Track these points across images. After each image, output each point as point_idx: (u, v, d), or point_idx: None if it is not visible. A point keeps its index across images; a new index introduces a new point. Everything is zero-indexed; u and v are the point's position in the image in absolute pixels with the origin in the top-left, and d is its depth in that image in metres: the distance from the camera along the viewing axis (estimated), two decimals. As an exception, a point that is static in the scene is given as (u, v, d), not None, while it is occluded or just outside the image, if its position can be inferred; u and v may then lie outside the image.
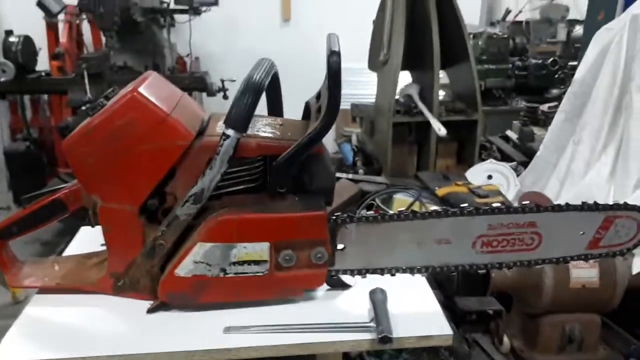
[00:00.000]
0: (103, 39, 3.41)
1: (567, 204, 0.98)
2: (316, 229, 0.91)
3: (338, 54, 0.84)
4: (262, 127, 0.96)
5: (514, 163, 2.67)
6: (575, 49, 4.06)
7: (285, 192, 0.92)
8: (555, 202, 1.97)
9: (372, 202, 2.19)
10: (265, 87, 0.89)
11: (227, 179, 0.91)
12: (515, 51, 4.06)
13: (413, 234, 0.97)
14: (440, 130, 2.32)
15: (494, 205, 0.97)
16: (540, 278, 1.35)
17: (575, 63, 3.71)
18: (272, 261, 0.92)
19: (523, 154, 2.84)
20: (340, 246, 0.96)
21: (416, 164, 2.67)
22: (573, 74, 3.36)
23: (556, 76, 3.91)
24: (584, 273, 1.34)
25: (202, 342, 0.87)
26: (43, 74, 3.12)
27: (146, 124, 0.87)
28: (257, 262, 0.91)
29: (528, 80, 3.96)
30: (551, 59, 3.89)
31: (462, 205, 0.97)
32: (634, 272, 1.42)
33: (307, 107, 1.03)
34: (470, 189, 2.08)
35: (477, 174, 2.36)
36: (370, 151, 2.79)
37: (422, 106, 2.48)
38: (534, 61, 3.90)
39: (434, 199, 2.09)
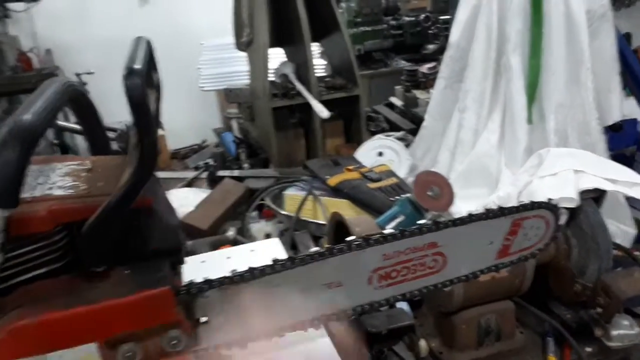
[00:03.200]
0: None
1: (469, 215, 0.82)
2: (161, 311, 0.67)
3: (139, 73, 0.58)
4: (60, 181, 0.69)
5: (402, 132, 2.57)
6: (444, 2, 4.07)
7: (107, 268, 0.67)
8: (449, 175, 1.90)
9: (262, 201, 1.97)
10: (44, 128, 0.60)
11: (17, 264, 0.64)
12: (388, 10, 4.00)
13: (294, 286, 0.76)
14: (323, 112, 2.13)
15: (386, 231, 0.79)
16: (448, 278, 1.22)
17: (447, 17, 3.72)
18: (108, 364, 0.67)
19: (410, 121, 2.75)
20: (203, 319, 0.73)
21: (305, 148, 2.48)
22: (446, 29, 3.35)
23: (430, 32, 3.93)
24: (494, 269, 1.23)
25: None
26: None
27: None
28: (86, 371, 0.66)
29: (404, 39, 3.97)
30: (424, 15, 3.89)
31: (347, 239, 0.77)
32: (539, 250, 1.33)
33: (127, 134, 0.77)
34: (362, 173, 1.93)
35: (368, 153, 2.22)
36: (253, 140, 2.55)
37: (300, 87, 2.27)
38: (407, 19, 3.91)
39: (326, 189, 1.91)
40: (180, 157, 2.42)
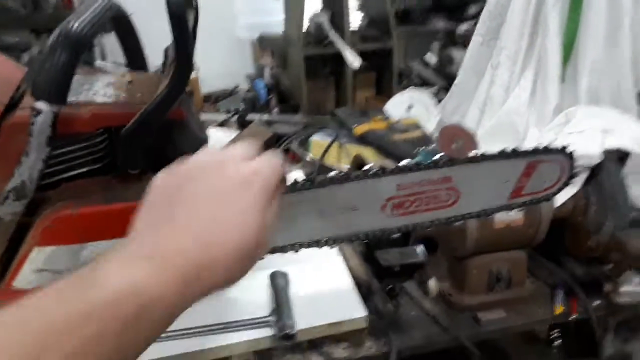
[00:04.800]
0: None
1: (482, 154, 0.85)
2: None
3: None
4: (102, 89, 0.75)
5: (435, 88, 2.56)
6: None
7: (141, 172, 0.73)
8: (477, 131, 1.90)
9: (288, 146, 2.02)
10: (90, 37, 0.65)
11: (61, 162, 0.70)
12: (430, -33, 3.88)
13: (312, 205, 0.81)
14: (355, 62, 2.14)
15: (402, 163, 0.83)
16: (464, 223, 1.26)
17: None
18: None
19: (444, 79, 2.73)
20: (224, 228, 0.79)
21: (335, 98, 2.50)
22: (491, -11, 3.26)
23: (474, -8, 3.80)
24: (508, 213, 1.26)
25: None
26: None
27: None
28: (118, 263, 0.73)
29: (446, -1, 3.84)
30: (468, -26, 3.75)
31: (365, 167, 0.81)
32: (558, 204, 1.35)
33: (166, 55, 0.82)
34: (388, 124, 1.95)
35: (397, 106, 2.22)
36: (285, 87, 2.58)
37: (333, 35, 2.28)
38: (450, -24, 3.76)
39: (352, 137, 1.94)
40: (213, 100, 2.47)
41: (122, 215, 0.73)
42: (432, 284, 1.29)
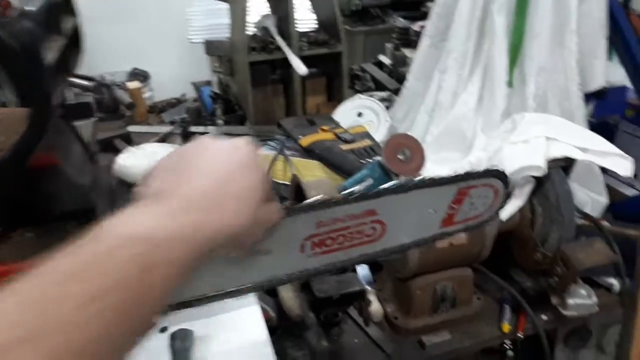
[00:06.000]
0: None
1: (408, 182, 0.79)
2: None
3: (31, 16, 0.53)
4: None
5: (387, 93, 2.50)
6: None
7: (7, 230, 0.64)
8: (425, 139, 1.85)
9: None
10: None
11: None
12: (388, -37, 3.82)
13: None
14: (300, 68, 2.06)
15: (319, 197, 0.76)
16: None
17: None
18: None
19: (397, 81, 2.67)
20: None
21: (285, 106, 2.41)
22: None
23: (432, -12, 3.76)
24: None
25: None
26: None
27: None
28: None
29: (404, -5, 3.78)
30: (425, -30, 3.71)
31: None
32: (504, 218, 1.31)
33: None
34: (336, 134, 1.88)
35: (347, 113, 2.15)
36: (232, 96, 2.49)
37: (279, 41, 2.19)
38: (408, -28, 3.71)
39: (298, 149, 1.87)
40: (158, 110, 2.36)
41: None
42: (375, 308, 1.24)
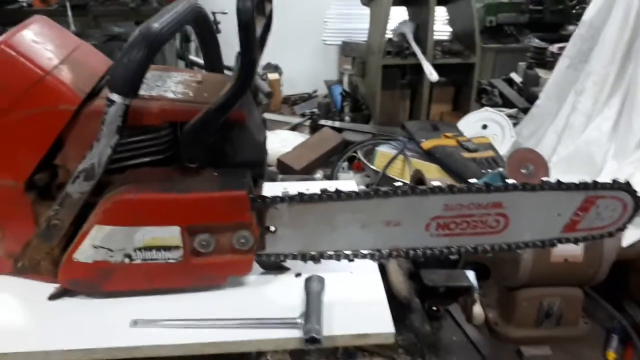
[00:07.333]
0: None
1: (541, 183, 0.82)
2: (236, 211, 0.77)
3: None
4: (173, 86, 0.80)
5: (515, 110, 2.48)
6: (595, -20, 3.71)
7: (200, 167, 0.77)
8: (551, 159, 1.82)
9: (354, 154, 2.04)
10: (167, 38, 0.71)
11: (129, 149, 0.77)
12: (530, -17, 3.74)
13: (356, 215, 0.82)
14: (432, 74, 2.12)
15: (450, 183, 0.82)
16: (517, 252, 1.22)
17: (597, -3, 3.40)
18: (186, 247, 0.78)
19: (526, 100, 2.62)
20: (271, 228, 0.83)
21: (409, 110, 2.48)
22: (591, 10, 3.05)
23: (574, 11, 3.61)
24: (567, 247, 1.20)
25: (102, 338, 0.75)
26: (25, 4, 3.01)
27: (19, 85, 0.72)
28: (167, 248, 0.78)
29: (543, 16, 3.65)
30: (570, -8, 3.57)
31: (414, 186, 0.82)
32: (625, 244, 1.28)
33: (237, 59, 0.86)
34: (459, 141, 1.92)
35: (471, 124, 2.18)
36: (360, 96, 2.60)
37: (415, 47, 2.27)
38: (550, -6, 3.60)
39: (418, 151, 1.93)
40: (291, 103, 2.54)
41: (177, 205, 0.79)
42: (478, 310, 1.26)
